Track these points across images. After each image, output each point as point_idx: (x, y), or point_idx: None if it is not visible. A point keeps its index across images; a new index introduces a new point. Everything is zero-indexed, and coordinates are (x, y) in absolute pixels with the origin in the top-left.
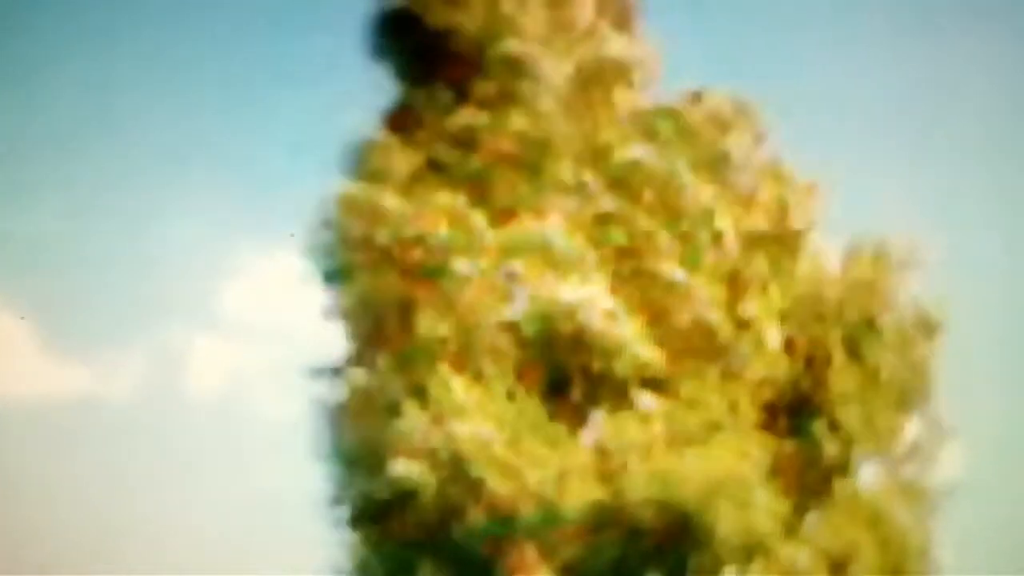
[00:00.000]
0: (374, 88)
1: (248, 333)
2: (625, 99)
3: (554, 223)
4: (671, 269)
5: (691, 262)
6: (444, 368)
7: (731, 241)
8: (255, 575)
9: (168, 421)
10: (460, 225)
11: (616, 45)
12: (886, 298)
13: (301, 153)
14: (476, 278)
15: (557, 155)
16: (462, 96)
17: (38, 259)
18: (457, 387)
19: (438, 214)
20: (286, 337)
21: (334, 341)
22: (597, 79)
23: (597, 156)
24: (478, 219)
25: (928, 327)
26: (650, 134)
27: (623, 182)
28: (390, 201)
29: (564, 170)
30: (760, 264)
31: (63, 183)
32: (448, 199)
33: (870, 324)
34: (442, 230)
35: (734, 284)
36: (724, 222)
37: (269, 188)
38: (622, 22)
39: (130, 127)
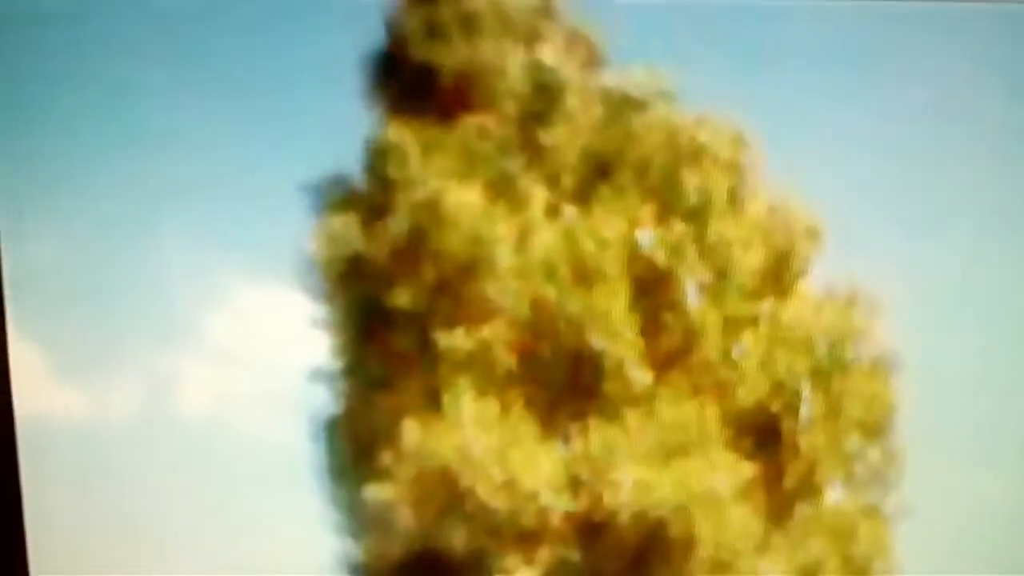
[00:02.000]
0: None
1: (235, 359)
2: None
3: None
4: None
5: (709, 294)
6: (462, 382)
7: (743, 275)
8: None
9: (162, 441)
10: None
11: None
12: (855, 339)
13: (289, 184)
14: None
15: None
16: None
17: (42, 284)
18: (468, 401)
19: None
20: (273, 364)
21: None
22: None
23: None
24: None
25: (891, 366)
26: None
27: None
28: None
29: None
30: (756, 304)
31: (65, 210)
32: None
33: (839, 361)
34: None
35: (731, 319)
36: (746, 256)
37: (258, 219)
38: (590, 63)
39: (130, 155)
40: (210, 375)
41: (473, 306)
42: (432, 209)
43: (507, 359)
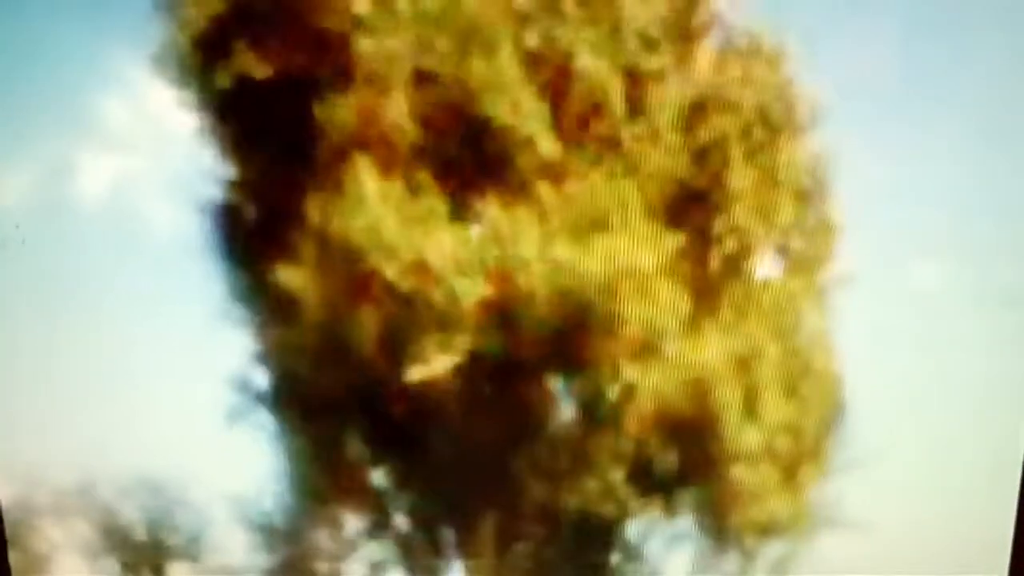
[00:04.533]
0: None
1: (130, 144)
2: None
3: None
4: (580, 53)
5: (598, 49)
6: (362, 160)
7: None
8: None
9: (62, 231)
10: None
11: None
12: (781, 92)
13: None
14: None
15: None
16: None
17: None
18: (369, 179)
19: None
20: (169, 147)
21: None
22: None
23: None
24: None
25: (819, 119)
26: None
27: None
28: None
29: None
30: (659, 58)
31: None
32: None
33: (765, 118)
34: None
35: (633, 76)
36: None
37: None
38: None
39: None
40: (107, 162)
41: (355, 71)
42: None
43: (403, 131)
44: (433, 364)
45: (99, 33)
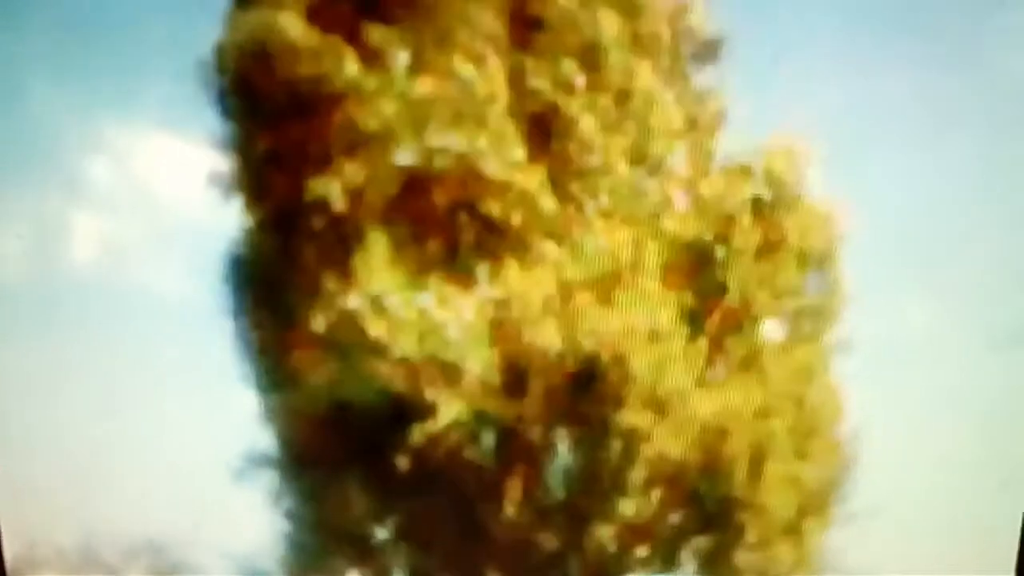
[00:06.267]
0: None
1: (119, 205)
2: None
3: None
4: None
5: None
6: (372, 231)
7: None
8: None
9: (56, 294)
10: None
11: None
12: (797, 176)
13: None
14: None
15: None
16: None
17: None
18: (379, 250)
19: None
20: (157, 208)
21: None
22: None
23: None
24: (399, 57)
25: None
26: None
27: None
28: (291, 25)
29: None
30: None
31: None
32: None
33: (779, 191)
34: (351, 67)
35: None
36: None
37: (131, 56)
38: None
39: None
40: (97, 224)
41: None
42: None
43: (406, 204)
44: (439, 422)
45: (91, 96)
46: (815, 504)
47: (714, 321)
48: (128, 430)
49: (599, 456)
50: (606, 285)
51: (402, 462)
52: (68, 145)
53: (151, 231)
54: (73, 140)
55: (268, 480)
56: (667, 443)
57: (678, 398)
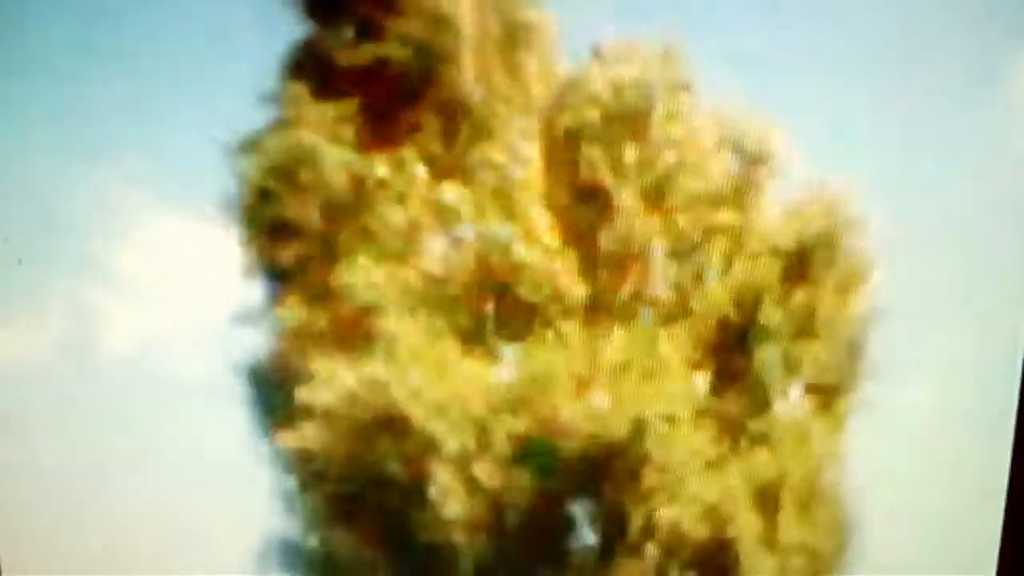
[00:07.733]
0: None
1: (151, 294)
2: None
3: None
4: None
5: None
6: (391, 315)
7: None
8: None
9: (90, 382)
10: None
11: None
12: (831, 245)
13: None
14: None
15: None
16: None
17: None
18: (406, 333)
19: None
20: (189, 297)
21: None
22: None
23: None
24: (418, 167)
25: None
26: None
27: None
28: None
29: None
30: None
31: None
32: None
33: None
34: (380, 169)
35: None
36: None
37: (162, 152)
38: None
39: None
40: (127, 313)
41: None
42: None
43: (427, 287)
44: (462, 499)
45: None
46: (824, 567)
47: (735, 404)
48: (157, 521)
49: (616, 529)
50: (630, 365)
51: (426, 534)
52: (100, 232)
53: (184, 321)
54: (103, 227)
55: (292, 562)
56: (682, 518)
57: (692, 481)
